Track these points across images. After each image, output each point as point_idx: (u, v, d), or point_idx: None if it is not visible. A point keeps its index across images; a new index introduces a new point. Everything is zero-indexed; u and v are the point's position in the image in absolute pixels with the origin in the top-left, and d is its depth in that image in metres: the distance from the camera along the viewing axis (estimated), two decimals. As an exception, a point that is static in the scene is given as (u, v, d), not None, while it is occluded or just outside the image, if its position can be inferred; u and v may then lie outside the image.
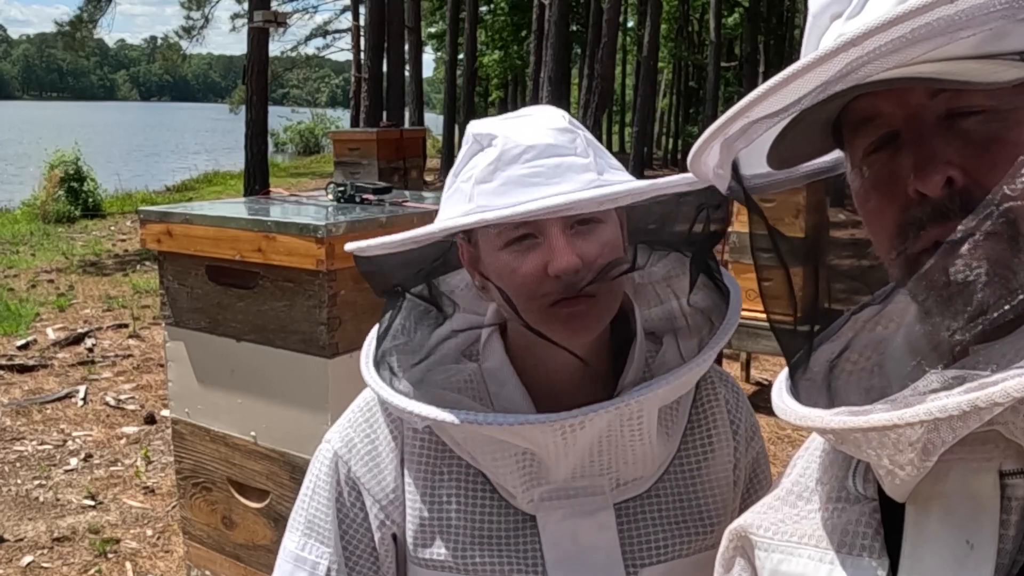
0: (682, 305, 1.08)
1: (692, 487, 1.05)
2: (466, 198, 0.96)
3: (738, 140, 0.69)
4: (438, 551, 1.01)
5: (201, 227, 2.35)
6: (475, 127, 1.00)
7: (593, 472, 0.99)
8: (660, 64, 28.37)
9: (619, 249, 0.99)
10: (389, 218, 2.33)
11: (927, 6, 0.52)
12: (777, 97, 0.61)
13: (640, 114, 21.09)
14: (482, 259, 1.00)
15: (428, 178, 16.98)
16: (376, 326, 1.11)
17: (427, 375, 1.04)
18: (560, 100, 14.24)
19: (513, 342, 1.05)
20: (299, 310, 2.20)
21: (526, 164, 0.93)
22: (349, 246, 1.04)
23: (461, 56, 22.48)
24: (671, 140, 32.50)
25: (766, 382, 5.74)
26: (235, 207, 2.60)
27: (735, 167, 0.75)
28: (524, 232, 0.95)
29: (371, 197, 2.55)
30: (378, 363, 1.05)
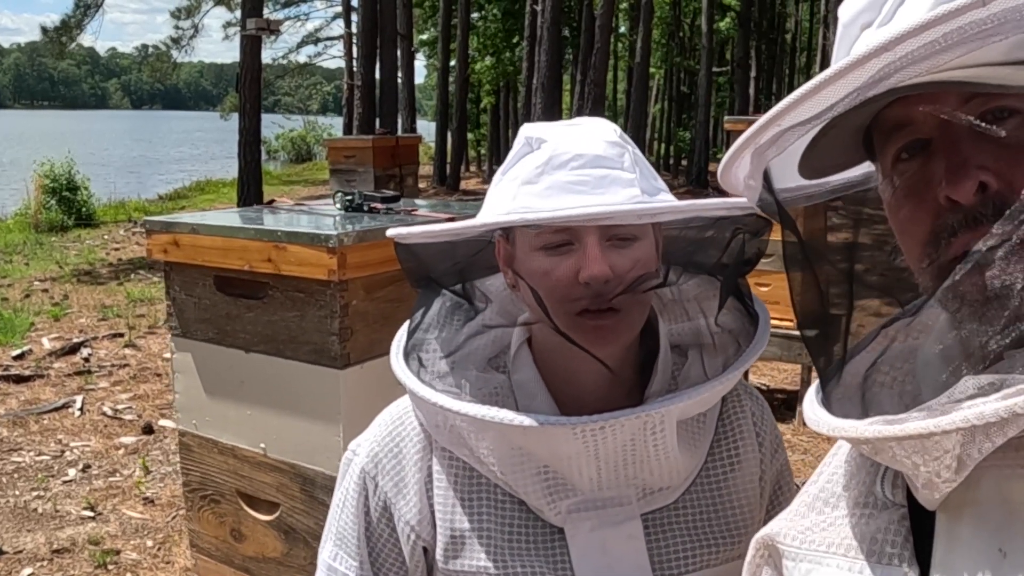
0: (709, 324, 1.09)
1: (719, 498, 1.06)
2: (510, 197, 0.98)
3: (769, 149, 0.69)
4: (468, 563, 1.02)
5: (209, 237, 2.34)
6: (528, 129, 1.02)
7: (619, 483, 0.99)
8: (652, 69, 28.39)
9: (652, 267, 1.00)
10: (399, 227, 2.33)
11: (959, 10, 0.52)
12: (809, 104, 0.61)
13: (633, 120, 21.09)
14: (517, 257, 1.01)
15: (420, 185, 16.96)
16: (408, 320, 1.11)
17: (454, 368, 1.05)
18: (553, 106, 14.23)
19: (540, 353, 1.05)
20: (310, 320, 2.19)
21: (573, 171, 0.95)
22: (391, 232, 1.05)
23: (453, 63, 22.47)
24: (663, 145, 32.49)
25: (764, 387, 5.76)
26: (243, 217, 2.59)
27: (767, 178, 0.74)
28: (562, 238, 0.96)
29: (379, 206, 2.54)
30: (407, 354, 1.06)
